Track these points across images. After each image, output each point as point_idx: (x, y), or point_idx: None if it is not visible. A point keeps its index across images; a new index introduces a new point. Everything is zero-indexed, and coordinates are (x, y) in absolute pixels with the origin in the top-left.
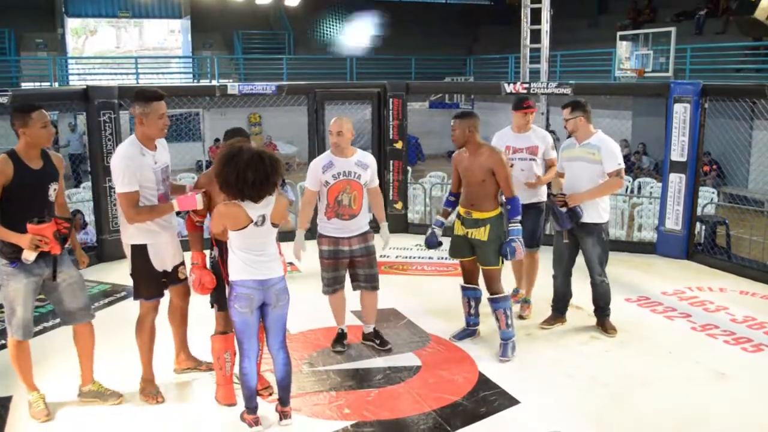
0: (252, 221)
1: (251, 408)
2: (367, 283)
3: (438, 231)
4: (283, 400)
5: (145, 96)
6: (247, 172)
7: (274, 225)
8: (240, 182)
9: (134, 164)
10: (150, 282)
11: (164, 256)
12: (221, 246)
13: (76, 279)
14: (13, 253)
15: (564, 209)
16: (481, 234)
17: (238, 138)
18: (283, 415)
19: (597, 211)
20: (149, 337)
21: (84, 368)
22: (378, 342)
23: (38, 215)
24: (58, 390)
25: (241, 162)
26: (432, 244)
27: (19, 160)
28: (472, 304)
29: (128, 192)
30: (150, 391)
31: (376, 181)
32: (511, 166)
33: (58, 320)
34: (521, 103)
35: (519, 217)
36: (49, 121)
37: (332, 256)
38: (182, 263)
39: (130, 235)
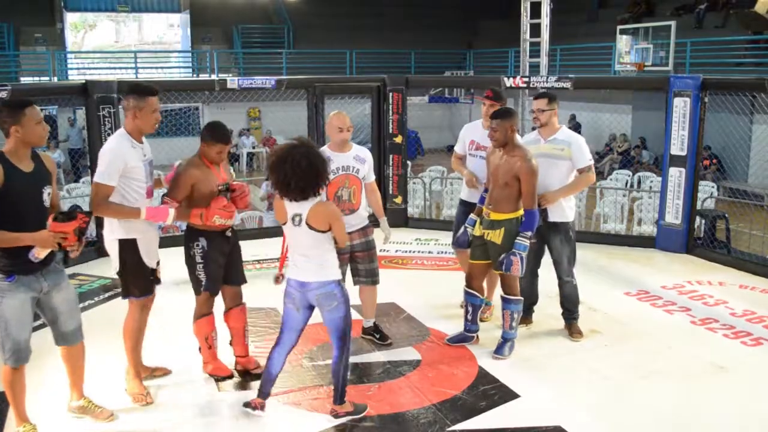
0: (289, 218)
1: (264, 393)
2: (368, 277)
3: (470, 230)
4: (335, 398)
5: (141, 90)
6: (272, 171)
7: (313, 229)
8: (277, 181)
9: (122, 159)
10: (141, 278)
11: (151, 251)
12: (208, 236)
13: (73, 297)
14: (12, 266)
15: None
16: (496, 236)
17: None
18: (334, 413)
19: (562, 210)
20: (138, 337)
21: (75, 384)
22: (378, 336)
23: (35, 224)
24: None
25: (270, 159)
26: (461, 243)
27: (9, 163)
28: (470, 309)
29: (105, 184)
30: (138, 390)
31: (373, 176)
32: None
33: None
34: (484, 92)
35: (530, 233)
36: (42, 117)
37: None
38: (158, 262)
39: (118, 230)
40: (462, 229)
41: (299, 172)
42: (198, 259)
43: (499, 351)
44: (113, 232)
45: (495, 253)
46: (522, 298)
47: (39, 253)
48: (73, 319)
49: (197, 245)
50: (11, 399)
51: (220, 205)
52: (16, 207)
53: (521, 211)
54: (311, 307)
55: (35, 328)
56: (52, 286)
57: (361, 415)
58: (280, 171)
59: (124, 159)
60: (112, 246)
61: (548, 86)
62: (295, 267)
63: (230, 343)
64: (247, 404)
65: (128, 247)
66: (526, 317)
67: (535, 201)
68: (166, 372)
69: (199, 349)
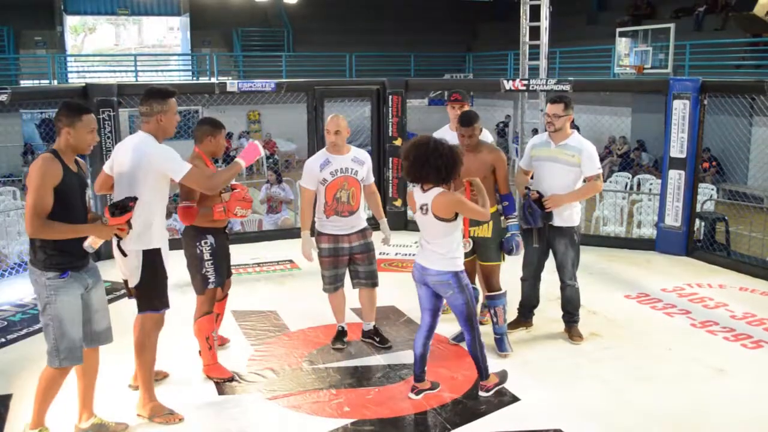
0: (417, 207)
1: (416, 375)
2: (367, 279)
3: None
4: (480, 373)
5: (162, 93)
6: (405, 158)
7: (438, 218)
8: (407, 171)
9: (172, 150)
10: (164, 289)
11: (167, 261)
12: (215, 234)
13: (105, 295)
14: (64, 262)
15: (536, 205)
16: (485, 231)
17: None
18: (483, 388)
19: (570, 214)
20: (154, 353)
21: (87, 400)
22: (378, 339)
23: (80, 222)
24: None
25: (406, 147)
26: None
27: (63, 162)
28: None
29: (192, 169)
30: (164, 411)
31: (372, 178)
32: None
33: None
34: (450, 96)
35: (516, 213)
36: (96, 127)
37: (332, 254)
38: None
39: (144, 239)
40: None
41: (432, 161)
42: (206, 256)
43: (502, 348)
44: (137, 244)
45: (485, 248)
46: (505, 291)
47: (95, 243)
48: (106, 318)
49: (205, 243)
50: (40, 400)
51: (240, 197)
52: (67, 205)
53: (498, 205)
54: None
55: (33, 332)
56: (93, 283)
57: (505, 383)
58: (414, 158)
59: None
60: (132, 257)
61: (547, 89)
62: (421, 250)
63: None
64: (413, 389)
65: (153, 258)
66: (527, 320)
67: (509, 185)
68: (164, 375)
69: (199, 352)
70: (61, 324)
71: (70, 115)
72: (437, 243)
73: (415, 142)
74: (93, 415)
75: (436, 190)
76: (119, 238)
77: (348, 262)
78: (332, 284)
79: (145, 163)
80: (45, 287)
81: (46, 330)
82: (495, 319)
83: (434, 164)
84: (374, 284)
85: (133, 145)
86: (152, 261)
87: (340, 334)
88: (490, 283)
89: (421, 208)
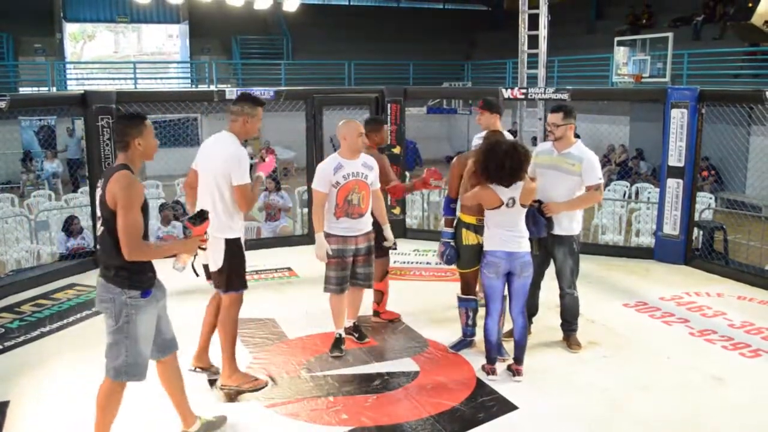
0: (503, 203)
1: (491, 359)
2: (366, 281)
3: (452, 244)
4: (518, 359)
5: (255, 100)
6: (505, 162)
7: (522, 206)
8: (498, 170)
9: (246, 159)
10: (242, 273)
11: (244, 246)
12: None
13: (166, 304)
14: (145, 281)
15: (539, 215)
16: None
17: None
18: (516, 373)
19: (570, 223)
20: (236, 329)
21: (184, 406)
22: (357, 336)
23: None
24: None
25: (500, 153)
26: (453, 260)
27: (136, 177)
28: (470, 314)
29: (247, 184)
30: (250, 378)
31: (378, 184)
32: None
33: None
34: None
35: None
36: None
37: (340, 255)
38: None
39: (225, 230)
40: (446, 247)
41: (528, 157)
42: None
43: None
44: (222, 232)
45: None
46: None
47: (183, 261)
48: (170, 324)
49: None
50: (103, 416)
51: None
52: (147, 220)
53: None
54: (507, 275)
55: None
56: (161, 295)
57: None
58: (514, 160)
59: (246, 159)
60: (216, 244)
61: (546, 98)
62: (502, 241)
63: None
64: (482, 367)
65: (234, 245)
66: None
67: None
68: (217, 370)
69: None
70: (137, 342)
71: (136, 124)
72: (520, 228)
73: (487, 155)
74: (197, 417)
75: (520, 184)
76: (202, 249)
77: (351, 263)
78: (339, 285)
79: (230, 161)
80: (126, 306)
81: (116, 346)
82: (468, 320)
83: (513, 170)
84: (370, 286)
85: (222, 141)
86: (233, 248)
87: (338, 342)
88: (474, 288)
89: (507, 203)
